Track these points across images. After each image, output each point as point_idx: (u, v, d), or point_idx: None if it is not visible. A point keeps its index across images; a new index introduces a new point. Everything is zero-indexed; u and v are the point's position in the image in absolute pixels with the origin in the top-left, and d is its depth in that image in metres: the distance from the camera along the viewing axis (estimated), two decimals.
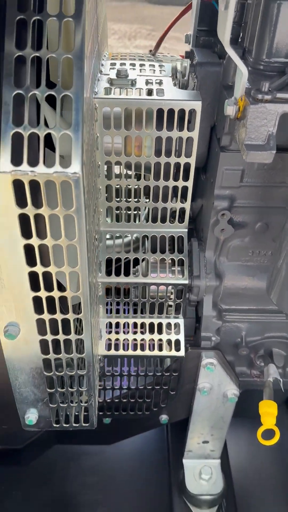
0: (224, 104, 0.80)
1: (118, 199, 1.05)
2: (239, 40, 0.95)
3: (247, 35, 0.90)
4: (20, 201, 0.65)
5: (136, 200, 1.04)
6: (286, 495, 1.53)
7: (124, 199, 1.06)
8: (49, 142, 0.63)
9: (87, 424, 1.02)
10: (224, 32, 0.68)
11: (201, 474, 1.39)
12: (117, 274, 1.07)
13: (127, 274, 1.08)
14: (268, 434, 1.05)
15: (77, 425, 1.01)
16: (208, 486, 1.38)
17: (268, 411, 1.05)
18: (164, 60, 1.18)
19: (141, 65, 1.06)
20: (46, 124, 0.64)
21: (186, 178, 1.00)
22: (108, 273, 1.08)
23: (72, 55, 0.63)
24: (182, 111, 0.90)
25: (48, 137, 0.63)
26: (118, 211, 1.08)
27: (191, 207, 1.28)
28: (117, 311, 1.14)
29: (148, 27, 6.96)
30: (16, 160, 0.62)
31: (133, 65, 1.06)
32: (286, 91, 0.74)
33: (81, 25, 0.64)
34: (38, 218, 0.67)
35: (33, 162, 0.62)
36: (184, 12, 1.13)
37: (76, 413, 1.02)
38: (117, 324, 1.14)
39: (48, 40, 0.66)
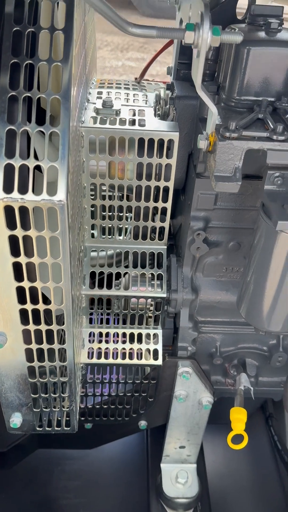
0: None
1: (103, 217, 1.13)
2: (216, 75, 1.04)
3: (221, 72, 0.99)
4: (10, 224, 0.72)
5: (119, 218, 1.12)
6: (259, 499, 1.61)
7: (108, 218, 1.13)
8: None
9: (68, 428, 1.08)
10: (196, 77, 0.76)
11: (178, 478, 1.46)
12: (101, 285, 1.15)
13: (110, 286, 1.16)
14: (238, 439, 1.13)
15: (59, 429, 1.08)
16: (184, 489, 1.45)
17: (238, 417, 1.13)
18: (148, 89, 1.27)
19: (126, 94, 1.15)
20: (35, 156, 0.71)
21: (165, 200, 1.09)
22: (93, 284, 1.15)
23: (60, 96, 0.71)
24: (161, 140, 0.99)
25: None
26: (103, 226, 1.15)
27: (172, 224, 1.37)
28: (101, 321, 1.21)
29: (140, 40, 7.09)
30: (7, 188, 0.69)
31: (119, 94, 1.15)
32: (251, 129, 0.82)
33: (68, 69, 0.72)
34: (26, 238, 0.75)
35: (22, 190, 0.69)
36: (167, 46, 1.22)
37: (59, 418, 1.09)
38: (100, 334, 1.21)
39: (39, 81, 0.74)
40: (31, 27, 0.73)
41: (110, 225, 1.14)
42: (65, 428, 1.08)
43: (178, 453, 1.46)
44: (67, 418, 1.09)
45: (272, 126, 0.83)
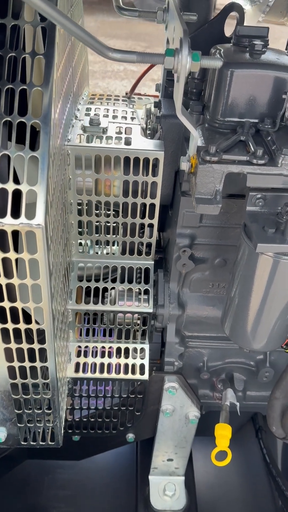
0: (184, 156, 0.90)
1: (90, 233, 1.13)
2: (202, 94, 1.04)
3: (206, 92, 0.99)
4: None
5: (106, 234, 1.13)
6: (248, 511, 1.61)
7: (95, 233, 1.14)
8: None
9: (53, 443, 1.09)
10: (176, 101, 0.77)
11: (165, 491, 1.46)
12: (92, 296, 1.15)
13: (98, 299, 1.16)
14: (222, 455, 1.13)
15: (44, 443, 1.08)
16: (171, 502, 1.45)
17: (223, 433, 1.13)
18: (138, 104, 1.28)
19: (114, 110, 1.16)
20: (15, 178, 0.72)
21: (151, 216, 1.09)
22: (85, 295, 1.16)
23: (40, 120, 0.72)
24: (147, 159, 1.00)
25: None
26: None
27: (162, 237, 1.37)
28: (88, 333, 1.22)
29: (142, 44, 7.11)
30: None
31: (107, 110, 1.15)
32: (232, 152, 0.83)
33: (49, 93, 0.73)
34: (6, 260, 0.75)
35: (1, 214, 0.70)
36: (153, 65, 1.22)
37: (45, 430, 1.09)
38: (86, 348, 1.21)
39: (21, 103, 0.74)
40: (13, 52, 0.74)
41: (97, 240, 1.15)
42: (50, 443, 1.08)
43: (166, 466, 1.47)
44: (53, 430, 1.09)
45: (252, 149, 0.83)
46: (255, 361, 1.27)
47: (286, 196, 0.86)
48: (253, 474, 1.68)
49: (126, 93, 1.32)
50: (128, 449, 1.69)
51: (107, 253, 1.19)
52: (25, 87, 0.73)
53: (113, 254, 1.19)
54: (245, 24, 1.23)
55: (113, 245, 1.20)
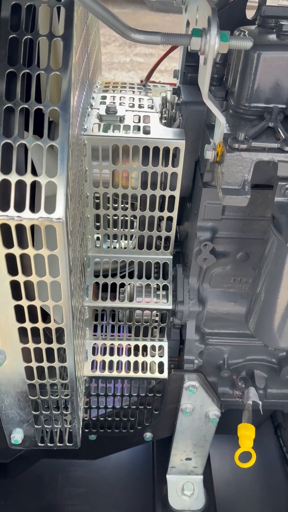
0: (206, 144, 0.85)
1: (107, 227, 1.09)
2: (224, 79, 0.99)
3: (230, 77, 0.94)
4: (7, 242, 0.69)
5: (123, 228, 1.09)
6: (267, 511, 1.57)
7: (112, 227, 1.10)
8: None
9: (71, 444, 1.05)
10: (203, 85, 0.72)
11: (184, 490, 1.42)
12: (105, 291, 1.10)
13: (114, 295, 1.12)
14: (246, 456, 1.09)
15: (62, 444, 1.05)
16: (190, 502, 1.42)
17: (246, 434, 1.09)
18: (154, 91, 1.23)
19: (131, 98, 1.11)
20: (33, 170, 0.68)
21: (171, 209, 1.05)
22: (98, 289, 1.11)
23: (58, 107, 0.67)
24: (167, 148, 0.95)
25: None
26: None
27: (179, 231, 1.33)
28: (105, 330, 1.18)
29: None
30: (3, 205, 0.66)
31: (123, 98, 1.10)
32: (261, 140, 0.78)
33: (68, 78, 0.69)
34: (24, 256, 0.71)
35: (19, 208, 0.66)
36: (173, 48, 1.17)
37: (61, 431, 1.06)
38: (103, 346, 1.18)
39: (37, 90, 0.70)
40: (29, 34, 0.69)
41: (114, 235, 1.10)
42: (68, 444, 1.05)
43: (184, 465, 1.43)
44: (70, 430, 1.06)
45: (283, 136, 0.78)
46: (277, 358, 1.23)
47: None
48: (271, 472, 1.64)
49: (141, 81, 1.27)
50: (143, 447, 1.66)
51: (124, 248, 1.15)
52: (42, 71, 0.68)
53: (132, 248, 1.14)
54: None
55: (130, 239, 1.16)
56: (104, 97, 1.10)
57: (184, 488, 1.43)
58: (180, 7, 1.11)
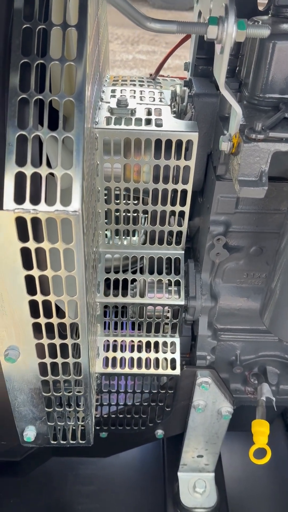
0: (220, 136, 0.83)
1: (117, 221, 1.08)
2: (237, 70, 0.98)
3: (243, 68, 0.93)
4: (22, 236, 0.68)
5: (134, 222, 1.08)
6: (279, 508, 1.56)
7: (123, 222, 1.08)
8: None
9: (83, 441, 1.04)
10: (220, 75, 0.71)
11: (195, 488, 1.42)
12: (115, 288, 1.09)
13: (125, 290, 1.11)
14: (260, 453, 1.08)
15: (74, 442, 1.04)
16: (202, 499, 1.41)
17: (260, 430, 1.08)
18: (164, 85, 1.22)
19: (141, 91, 1.10)
20: (48, 162, 0.67)
21: (183, 203, 1.03)
22: (107, 287, 1.10)
23: (73, 98, 0.66)
24: (179, 141, 0.94)
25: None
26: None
27: (189, 226, 1.31)
28: (115, 326, 1.17)
29: (151, 32, 6.99)
30: (19, 198, 0.64)
31: (133, 92, 1.09)
32: (278, 130, 0.77)
33: (82, 68, 0.67)
34: (39, 251, 0.70)
35: (35, 201, 0.65)
36: (184, 40, 1.16)
37: (73, 428, 1.05)
38: (114, 342, 1.16)
39: (51, 82, 0.69)
40: (42, 24, 0.68)
41: (125, 230, 1.09)
42: (80, 441, 1.04)
43: (195, 462, 1.42)
44: (82, 428, 1.05)
45: None
46: None
47: None
48: (282, 469, 1.63)
49: (150, 75, 1.26)
50: (153, 444, 1.65)
51: (134, 244, 1.14)
52: (57, 62, 0.67)
53: (143, 243, 1.13)
54: None
55: (141, 234, 1.14)
56: (114, 91, 1.09)
57: (195, 485, 1.42)
58: (181, 4, 1.10)
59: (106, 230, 1.11)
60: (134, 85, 1.18)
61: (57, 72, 0.68)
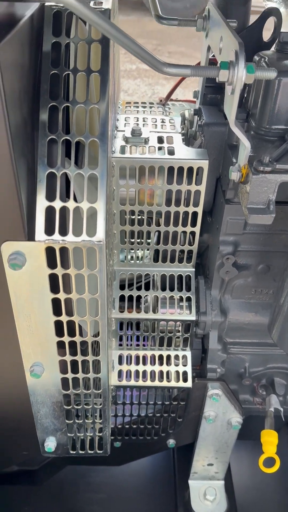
0: (228, 163, 0.89)
1: (132, 242, 1.14)
2: (243, 101, 1.04)
3: (251, 100, 0.99)
4: (51, 263, 0.74)
5: (147, 243, 1.14)
6: None
7: (137, 243, 1.15)
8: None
9: (101, 451, 1.10)
10: (230, 114, 0.77)
11: (206, 495, 1.46)
12: (130, 305, 1.15)
13: (139, 307, 1.17)
14: (269, 462, 1.13)
15: (92, 452, 1.09)
16: (212, 506, 1.45)
17: (269, 440, 1.13)
18: (173, 110, 1.28)
19: (153, 119, 1.16)
20: (74, 198, 0.73)
21: (193, 224, 1.09)
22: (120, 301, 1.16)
23: (97, 138, 0.73)
24: (191, 168, 1.00)
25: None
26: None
27: (198, 243, 1.37)
28: (130, 339, 1.22)
29: (154, 42, 7.09)
30: (49, 230, 0.71)
31: (145, 119, 1.16)
32: (284, 161, 0.83)
33: (105, 110, 0.74)
34: (65, 276, 0.76)
35: (63, 232, 0.71)
36: None
37: (91, 438, 1.10)
38: (128, 356, 1.22)
39: (76, 122, 0.75)
40: (68, 70, 0.75)
41: (139, 249, 1.15)
42: (98, 451, 1.09)
43: (206, 470, 1.47)
44: (100, 440, 1.11)
45: None
46: None
47: None
48: None
49: (161, 100, 1.33)
50: (163, 454, 1.70)
51: (147, 262, 1.19)
52: (82, 105, 0.73)
53: (155, 262, 1.19)
54: (282, 27, 1.22)
55: (154, 253, 1.20)
56: (127, 118, 1.15)
57: (206, 493, 1.47)
58: (183, 14, 1.16)
59: (122, 249, 1.17)
60: (146, 112, 1.25)
61: (81, 113, 0.74)
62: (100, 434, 1.05)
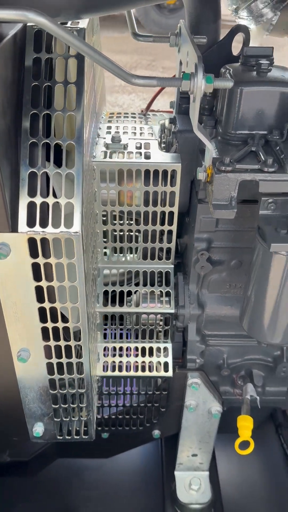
0: (199, 166, 0.99)
1: (114, 240, 1.23)
2: (214, 109, 1.14)
3: (219, 108, 1.09)
4: (33, 253, 0.82)
5: (129, 241, 1.23)
6: (271, 505, 1.66)
7: (119, 241, 1.23)
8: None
9: (86, 437, 1.17)
10: (193, 119, 0.86)
11: (191, 485, 1.52)
12: (114, 302, 1.24)
13: (122, 302, 1.25)
14: (245, 445, 1.20)
15: (78, 437, 1.17)
16: (197, 495, 1.51)
17: (245, 424, 1.20)
18: (153, 120, 1.38)
19: (133, 127, 1.26)
20: (54, 194, 0.82)
21: (171, 223, 1.18)
22: (106, 300, 1.25)
23: (74, 141, 0.82)
24: (165, 171, 1.09)
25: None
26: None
27: (180, 243, 1.46)
28: (114, 336, 1.30)
29: (148, 58, 7.27)
30: (30, 223, 0.80)
31: (126, 127, 1.25)
32: (245, 162, 0.92)
33: (81, 117, 0.83)
34: (46, 265, 0.85)
35: (43, 224, 0.80)
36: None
37: (77, 428, 1.18)
38: (113, 348, 1.30)
39: (55, 128, 0.84)
40: (48, 82, 0.84)
41: (121, 247, 1.24)
42: (84, 437, 1.17)
43: (191, 461, 1.53)
44: (85, 428, 1.18)
45: (263, 158, 0.92)
46: (272, 357, 1.34)
47: None
48: (274, 470, 1.73)
49: (142, 111, 1.43)
50: (153, 448, 1.76)
51: (130, 260, 1.28)
52: (60, 112, 0.83)
53: (138, 259, 1.28)
54: (250, 42, 1.33)
55: (136, 252, 1.29)
56: (109, 127, 1.25)
57: (191, 483, 1.53)
58: (159, 38, 1.25)
59: (105, 248, 1.26)
60: (128, 121, 1.35)
61: (60, 120, 0.84)
62: (85, 418, 1.12)
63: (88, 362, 1.01)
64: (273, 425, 1.78)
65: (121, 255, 1.26)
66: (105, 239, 1.23)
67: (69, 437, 1.17)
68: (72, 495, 1.73)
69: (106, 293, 1.26)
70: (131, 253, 1.27)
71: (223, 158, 0.90)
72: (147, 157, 1.11)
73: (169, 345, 1.31)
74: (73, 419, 1.12)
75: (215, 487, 1.57)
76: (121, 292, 1.25)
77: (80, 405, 1.09)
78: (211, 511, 1.53)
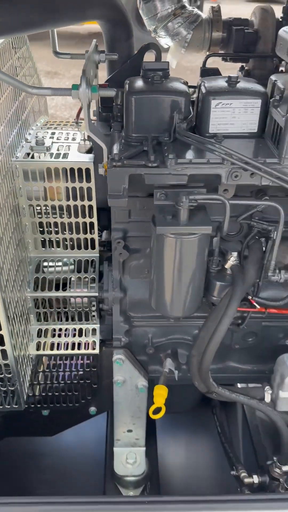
0: None
1: (42, 232, 1.39)
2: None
3: (123, 114, 1.25)
4: None
5: (56, 232, 1.39)
6: (206, 478, 1.79)
7: (47, 232, 1.39)
8: None
9: (16, 406, 1.31)
10: (86, 122, 1.03)
11: (127, 459, 1.66)
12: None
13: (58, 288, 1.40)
14: (157, 410, 1.34)
15: (9, 407, 1.31)
16: (132, 468, 1.65)
17: (160, 393, 1.35)
18: (83, 127, 1.55)
19: (59, 133, 1.43)
20: None
21: (91, 215, 1.35)
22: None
23: None
24: (80, 169, 1.26)
25: None
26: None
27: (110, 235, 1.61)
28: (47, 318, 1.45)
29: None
30: None
31: (53, 133, 1.43)
32: (135, 159, 1.08)
33: None
34: None
35: None
36: None
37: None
38: (46, 330, 1.45)
39: None
40: None
41: (50, 238, 1.40)
42: (14, 406, 1.31)
43: (127, 437, 1.67)
44: (14, 393, 1.31)
45: (150, 156, 1.08)
46: (192, 336, 1.49)
47: (181, 191, 1.11)
48: (210, 448, 1.87)
49: (74, 119, 1.60)
50: (96, 428, 1.89)
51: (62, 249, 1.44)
52: None
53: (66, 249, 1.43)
54: (169, 56, 1.52)
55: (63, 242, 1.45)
56: (39, 133, 1.42)
57: (127, 457, 1.66)
58: (76, 55, 1.41)
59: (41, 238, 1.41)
60: (60, 128, 1.52)
61: None
62: (12, 388, 1.27)
63: (11, 348, 1.16)
64: (210, 406, 1.92)
65: (54, 246, 1.42)
66: (41, 229, 1.38)
67: (1, 407, 1.31)
68: (23, 469, 1.83)
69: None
70: (59, 244, 1.43)
71: (114, 156, 1.07)
72: (65, 157, 1.28)
73: (97, 326, 1.46)
74: (1, 389, 1.27)
75: (153, 462, 1.71)
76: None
77: (6, 375, 1.24)
78: (147, 484, 1.67)
